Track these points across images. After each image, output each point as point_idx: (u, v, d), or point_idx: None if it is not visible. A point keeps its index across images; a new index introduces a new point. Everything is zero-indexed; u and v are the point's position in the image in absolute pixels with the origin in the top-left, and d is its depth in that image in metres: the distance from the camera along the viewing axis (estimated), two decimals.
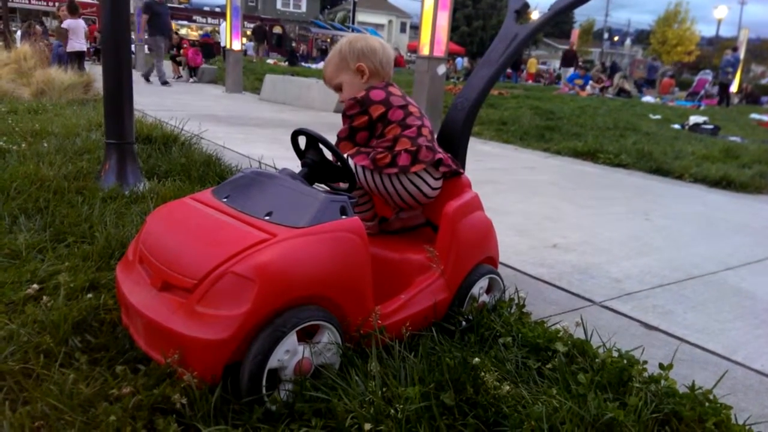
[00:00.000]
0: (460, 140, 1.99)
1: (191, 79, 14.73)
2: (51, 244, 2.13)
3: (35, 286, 1.75)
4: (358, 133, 1.81)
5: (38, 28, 13.59)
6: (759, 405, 1.61)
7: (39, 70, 8.25)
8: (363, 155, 1.78)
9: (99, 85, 7.83)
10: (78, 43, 10.49)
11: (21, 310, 1.62)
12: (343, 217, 1.43)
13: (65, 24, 10.40)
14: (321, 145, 1.62)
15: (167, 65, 15.43)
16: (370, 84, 1.84)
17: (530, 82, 30.20)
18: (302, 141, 1.67)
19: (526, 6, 2.12)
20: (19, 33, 15.33)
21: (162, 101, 8.50)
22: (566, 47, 25.74)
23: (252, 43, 24.75)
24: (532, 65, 33.27)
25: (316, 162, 1.59)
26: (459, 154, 1.96)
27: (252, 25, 25.53)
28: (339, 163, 1.64)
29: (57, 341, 1.46)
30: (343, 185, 1.74)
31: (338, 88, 1.92)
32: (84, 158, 3.45)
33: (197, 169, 3.36)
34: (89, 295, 1.69)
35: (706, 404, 1.37)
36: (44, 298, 1.66)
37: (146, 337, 1.33)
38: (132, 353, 1.45)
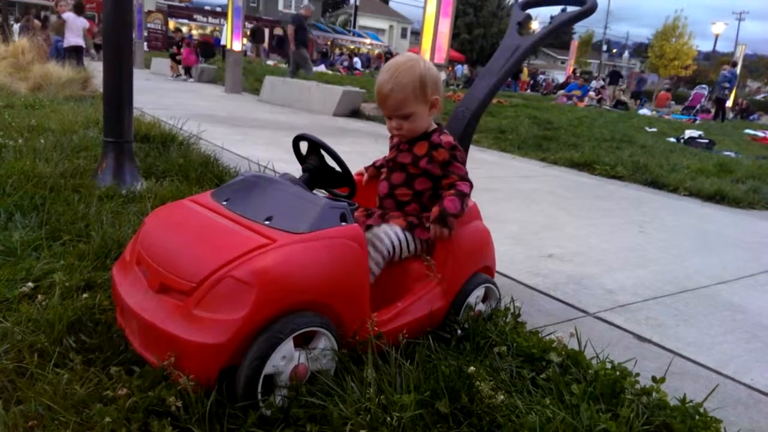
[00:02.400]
0: None
1: (189, 79, 14.72)
2: (46, 242, 2.12)
3: (30, 284, 1.75)
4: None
5: (36, 22, 13.54)
6: (748, 419, 1.62)
7: (37, 64, 8.23)
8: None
9: (97, 81, 7.83)
10: (75, 37, 10.45)
11: (15, 308, 1.62)
12: (343, 223, 1.43)
13: (65, 15, 10.35)
14: (323, 151, 1.63)
15: (165, 63, 15.42)
16: (433, 120, 1.77)
17: (524, 91, 30.37)
18: (303, 146, 1.67)
19: (529, 17, 2.14)
20: (17, 27, 15.29)
21: (160, 100, 8.49)
22: (565, 57, 25.84)
23: (250, 44, 24.77)
24: (524, 74, 33.52)
25: (317, 168, 1.60)
26: None
27: (251, 26, 25.54)
28: (340, 170, 1.64)
29: (51, 340, 1.46)
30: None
31: (404, 118, 1.70)
32: (81, 156, 3.44)
33: (195, 170, 3.35)
34: (84, 295, 1.69)
35: (697, 417, 1.39)
36: (39, 296, 1.66)
37: (142, 338, 1.33)
38: (127, 355, 1.45)
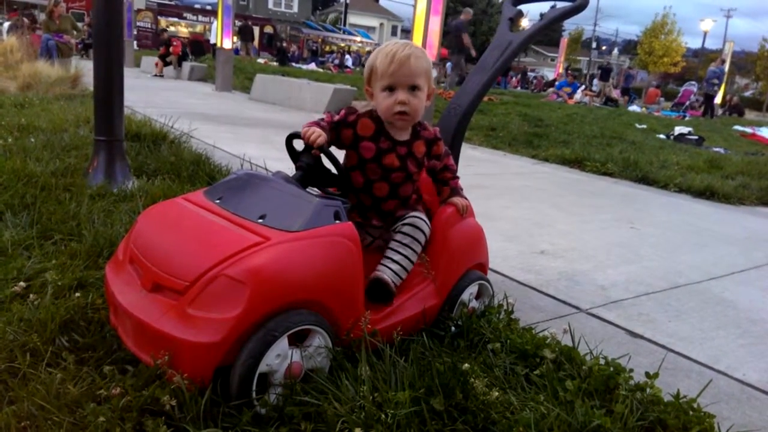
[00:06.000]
0: (452, 145, 2.00)
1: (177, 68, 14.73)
2: (38, 241, 2.10)
3: (22, 283, 1.73)
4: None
5: (26, 20, 13.41)
6: (741, 414, 1.64)
7: (26, 63, 8.15)
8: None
9: (87, 80, 7.76)
10: None
11: (7, 307, 1.60)
12: (337, 221, 1.43)
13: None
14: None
15: (151, 62, 15.33)
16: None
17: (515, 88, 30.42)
18: (296, 144, 1.66)
19: (520, 14, 2.15)
20: (6, 25, 15.14)
21: (151, 98, 8.44)
22: (555, 54, 25.90)
23: (240, 43, 24.64)
24: None
25: (311, 165, 1.59)
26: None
27: (240, 24, 25.42)
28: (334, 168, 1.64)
29: (44, 340, 1.45)
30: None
31: (414, 90, 1.63)
32: (72, 155, 3.42)
33: (187, 168, 3.33)
34: (77, 294, 1.67)
35: (690, 413, 1.39)
36: (31, 296, 1.64)
37: (135, 338, 1.32)
38: (120, 354, 1.44)
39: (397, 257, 1.64)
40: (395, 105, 1.62)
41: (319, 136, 1.52)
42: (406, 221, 1.69)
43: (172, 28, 34.49)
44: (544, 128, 8.78)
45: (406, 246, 1.66)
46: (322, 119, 1.65)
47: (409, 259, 1.66)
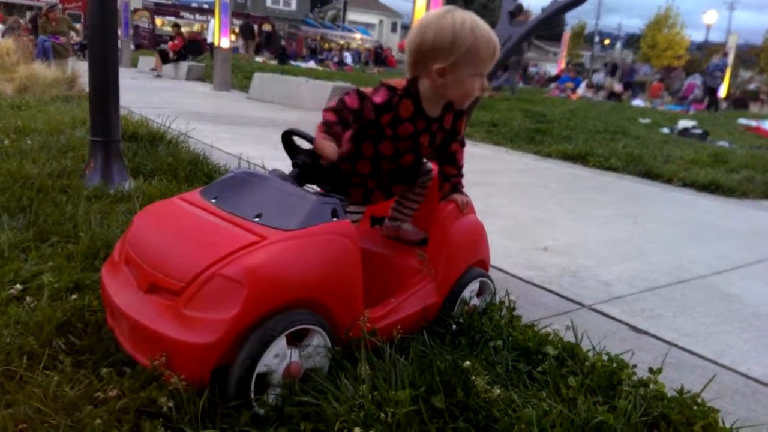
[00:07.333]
0: None
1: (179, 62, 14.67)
2: (34, 243, 2.09)
3: (18, 286, 1.72)
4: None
5: (22, 22, 13.43)
6: (745, 408, 1.62)
7: (22, 65, 8.14)
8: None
9: (83, 81, 7.74)
10: None
11: (4, 310, 1.59)
12: (334, 219, 1.41)
13: None
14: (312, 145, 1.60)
15: (152, 62, 15.28)
16: None
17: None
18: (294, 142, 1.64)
19: (520, 7, 2.13)
20: (1, 27, 15.15)
21: (148, 98, 8.42)
22: (557, 50, 25.90)
23: (242, 41, 24.58)
24: None
25: (307, 163, 1.57)
26: None
27: (240, 23, 25.35)
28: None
29: (40, 343, 1.44)
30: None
31: (487, 77, 1.63)
32: (68, 156, 3.40)
33: (184, 169, 3.32)
34: (74, 296, 1.66)
35: (695, 408, 1.38)
36: (27, 298, 1.64)
37: (132, 339, 1.31)
38: (117, 356, 1.43)
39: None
40: (479, 90, 1.62)
41: (334, 152, 1.50)
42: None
43: (168, 28, 34.47)
44: (547, 124, 8.72)
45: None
46: (343, 104, 1.59)
47: None
